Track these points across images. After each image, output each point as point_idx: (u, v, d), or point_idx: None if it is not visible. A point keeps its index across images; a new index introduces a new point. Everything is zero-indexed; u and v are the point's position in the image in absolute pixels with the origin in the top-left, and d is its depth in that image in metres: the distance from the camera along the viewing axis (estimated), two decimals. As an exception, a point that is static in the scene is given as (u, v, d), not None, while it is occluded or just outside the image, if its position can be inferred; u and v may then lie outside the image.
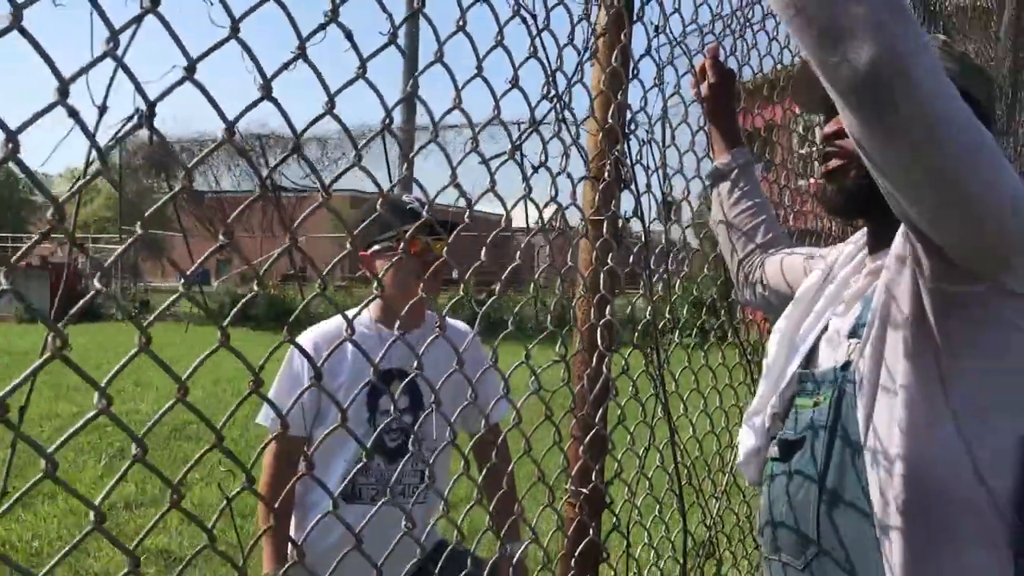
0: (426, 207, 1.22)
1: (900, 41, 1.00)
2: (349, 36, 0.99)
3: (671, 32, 1.77)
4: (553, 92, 1.34)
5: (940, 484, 1.25)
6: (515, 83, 1.28)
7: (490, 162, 1.26)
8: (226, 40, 0.87)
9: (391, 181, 1.23)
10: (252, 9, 0.89)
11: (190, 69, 0.82)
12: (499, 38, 1.25)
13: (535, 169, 1.33)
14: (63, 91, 0.72)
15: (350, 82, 1.01)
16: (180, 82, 0.83)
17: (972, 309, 1.21)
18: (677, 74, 1.84)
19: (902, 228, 1.25)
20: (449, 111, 1.17)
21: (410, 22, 1.13)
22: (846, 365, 1.36)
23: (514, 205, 1.33)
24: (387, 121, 1.06)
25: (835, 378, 1.38)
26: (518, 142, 1.28)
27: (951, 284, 1.20)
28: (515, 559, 2.14)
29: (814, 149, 4.23)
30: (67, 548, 0.81)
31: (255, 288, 0.98)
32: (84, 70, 0.75)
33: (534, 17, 1.27)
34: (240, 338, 1.44)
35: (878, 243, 1.43)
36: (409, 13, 1.11)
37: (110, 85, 0.92)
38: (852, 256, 1.53)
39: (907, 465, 1.24)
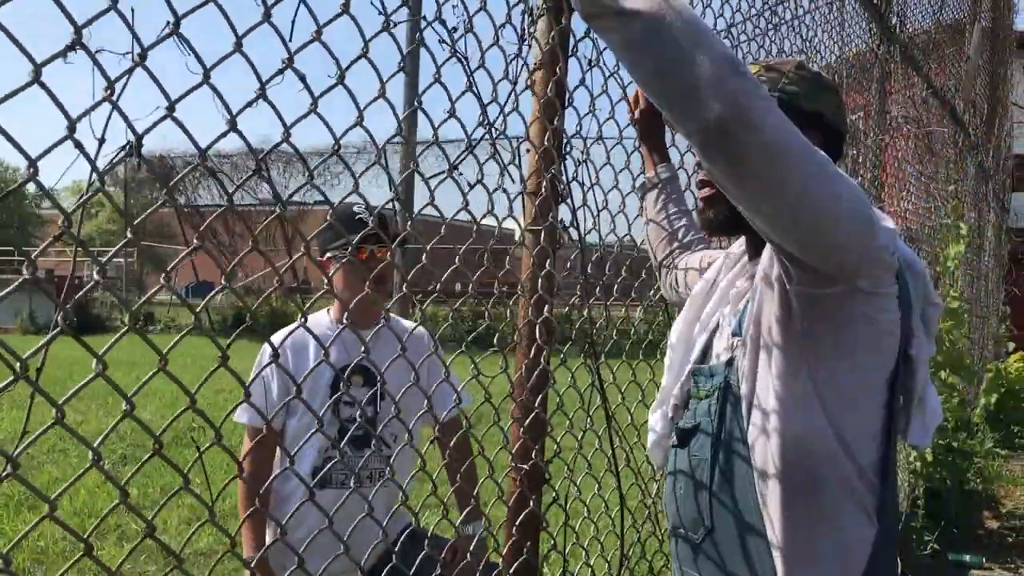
0: (372, 217, 1.46)
1: (741, 95, 1.19)
2: (302, 78, 1.23)
3: (605, 65, 2.01)
4: (486, 120, 1.57)
5: (813, 461, 1.46)
6: (452, 113, 1.52)
7: (430, 180, 1.50)
8: (199, 86, 1.11)
9: (393, 192, 1.45)
10: (220, 61, 1.12)
11: (171, 108, 1.06)
12: (437, 76, 1.49)
13: (471, 186, 1.57)
14: (71, 128, 0.96)
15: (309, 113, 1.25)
16: (163, 119, 1.07)
17: (830, 310, 1.42)
18: (611, 101, 2.08)
19: (768, 248, 1.45)
20: (392, 137, 1.41)
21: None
22: (731, 360, 1.57)
23: (453, 216, 1.57)
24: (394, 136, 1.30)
25: (722, 372, 1.59)
26: (456, 162, 1.52)
27: (813, 288, 1.41)
28: (476, 537, 2.38)
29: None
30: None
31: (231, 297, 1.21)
32: (87, 112, 0.99)
33: (467, 59, 1.51)
34: (241, 349, 1.63)
35: (756, 251, 1.64)
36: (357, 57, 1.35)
37: (106, 125, 1.16)
38: (736, 260, 1.74)
39: (783, 447, 1.45)
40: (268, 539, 2.55)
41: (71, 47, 0.97)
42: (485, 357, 1.69)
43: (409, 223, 1.48)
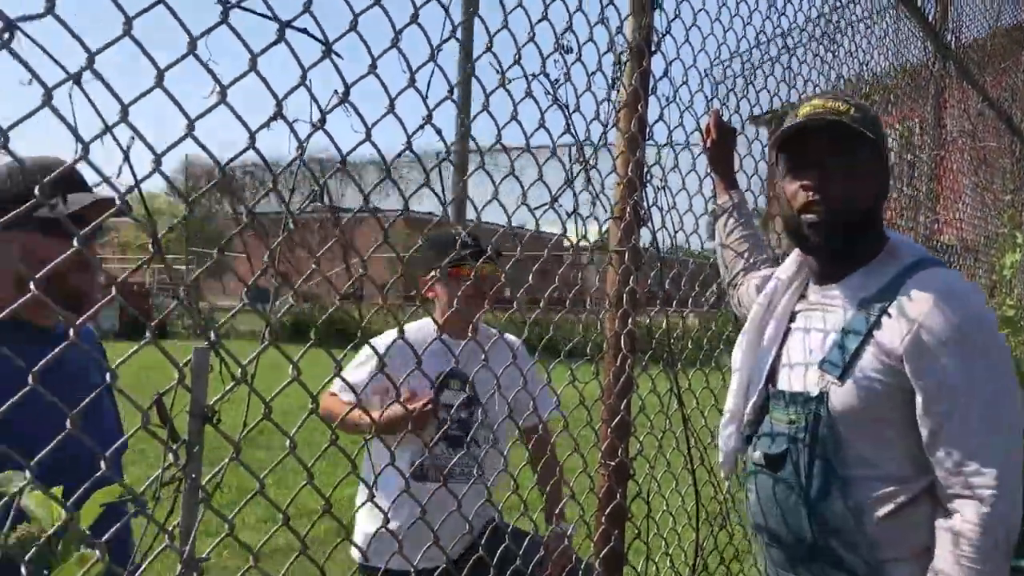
0: (473, 237, 1.69)
1: None
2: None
3: (680, 101, 2.23)
4: (581, 158, 1.80)
5: (911, 493, 1.64)
6: (553, 151, 1.75)
7: (536, 210, 1.73)
8: (215, 106, 1.33)
9: (443, 204, 1.67)
10: (234, 81, 1.31)
11: (191, 127, 1.21)
12: (542, 121, 1.72)
13: (569, 215, 1.80)
14: (274, 180, 1.19)
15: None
16: (181, 139, 1.23)
17: None
18: (686, 132, 2.30)
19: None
20: (506, 176, 1.64)
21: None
22: (821, 396, 1.70)
23: (551, 242, 1.80)
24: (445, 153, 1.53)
25: (808, 402, 1.72)
26: (556, 194, 1.75)
27: None
28: (567, 535, 2.60)
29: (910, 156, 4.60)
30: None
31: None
32: (193, 126, 1.23)
33: (567, 106, 1.74)
34: (307, 356, 1.84)
35: (826, 278, 1.79)
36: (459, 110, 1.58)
37: (127, 158, 1.40)
38: (789, 281, 1.90)
39: (882, 482, 1.64)
40: (372, 523, 2.81)
41: (272, 119, 1.22)
42: (579, 365, 1.91)
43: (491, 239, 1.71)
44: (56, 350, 1.01)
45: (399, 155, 1.48)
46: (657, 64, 2.12)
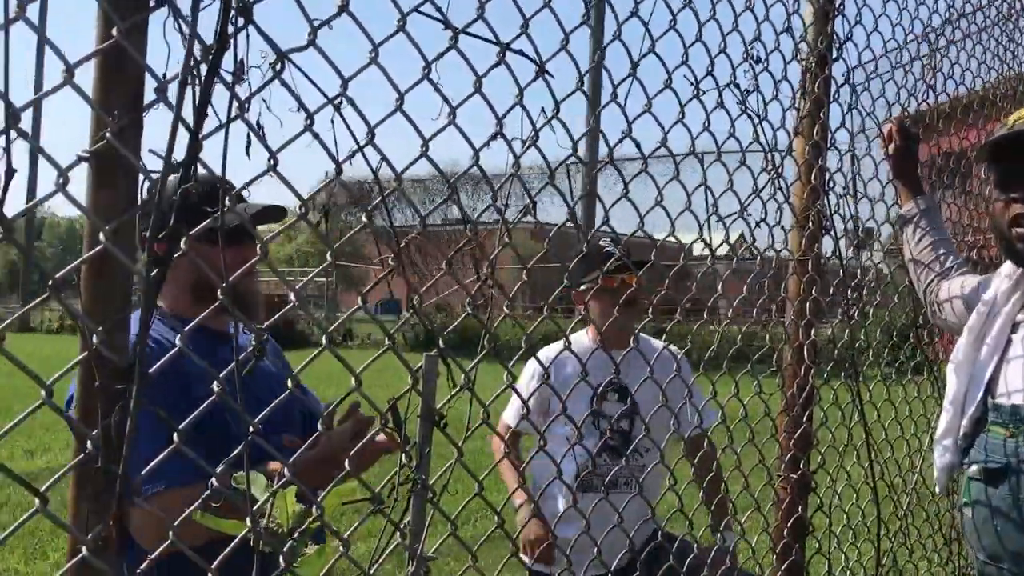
0: (620, 248, 1.69)
1: None
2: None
3: (862, 107, 2.19)
4: (772, 167, 1.80)
5: None
6: (743, 161, 1.75)
7: (725, 220, 1.73)
8: (445, 127, 1.38)
9: (571, 213, 1.69)
10: (462, 102, 1.39)
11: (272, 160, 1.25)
12: (731, 130, 1.73)
13: (757, 224, 1.80)
14: (494, 196, 1.25)
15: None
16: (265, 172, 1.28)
17: None
18: (868, 139, 2.25)
19: None
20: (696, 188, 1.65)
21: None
22: None
23: (741, 250, 1.80)
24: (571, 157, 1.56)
25: None
26: (745, 204, 1.75)
27: None
28: (730, 547, 2.58)
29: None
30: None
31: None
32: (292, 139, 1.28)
33: (758, 115, 1.74)
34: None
35: None
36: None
37: (376, 177, 1.46)
38: (1011, 292, 1.83)
39: None
40: (541, 526, 2.85)
41: (492, 138, 1.27)
42: (764, 377, 1.90)
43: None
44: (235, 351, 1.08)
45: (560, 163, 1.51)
46: (838, 70, 2.09)
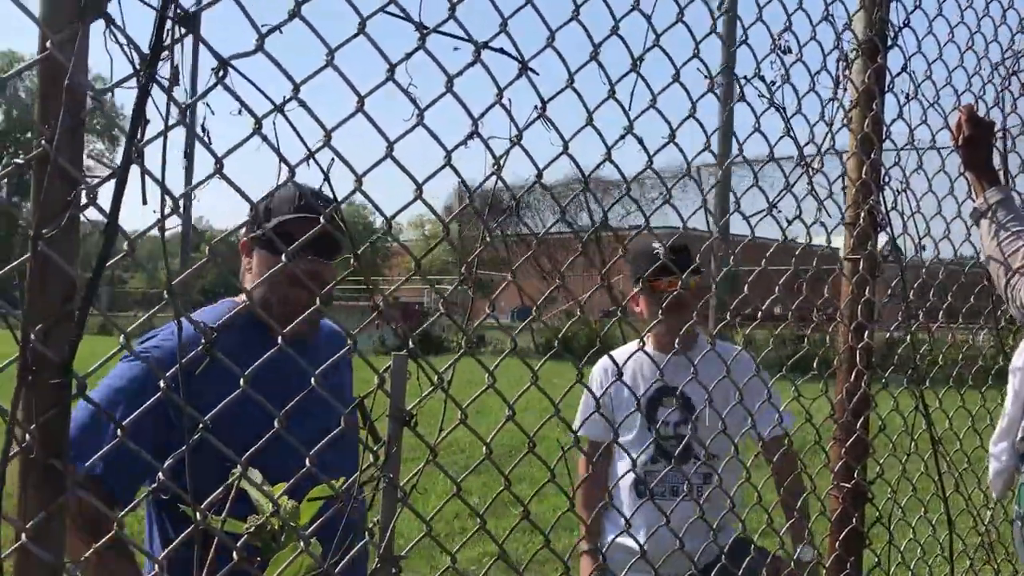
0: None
1: None
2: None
3: (924, 97, 2.06)
4: (803, 160, 1.72)
5: None
6: (771, 157, 1.69)
7: (751, 218, 1.67)
8: (413, 128, 1.37)
9: (707, 216, 1.68)
10: (554, 96, 1.38)
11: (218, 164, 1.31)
12: (756, 126, 1.67)
13: (789, 222, 1.72)
14: (471, 196, 1.25)
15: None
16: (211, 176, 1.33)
17: None
18: (931, 131, 2.12)
19: None
20: (714, 185, 1.59)
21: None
22: None
23: (772, 248, 1.73)
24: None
25: None
26: (775, 200, 1.68)
27: None
28: (795, 559, 2.48)
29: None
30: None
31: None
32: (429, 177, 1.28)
33: (784, 108, 1.66)
34: (562, 371, 1.90)
35: None
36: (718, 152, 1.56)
37: (327, 178, 1.46)
38: None
39: None
40: (604, 537, 2.83)
41: (469, 136, 1.27)
42: (804, 381, 1.82)
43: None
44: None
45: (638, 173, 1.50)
46: (894, 60, 1.98)
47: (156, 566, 1.04)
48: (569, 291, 1.80)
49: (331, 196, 1.17)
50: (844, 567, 1.98)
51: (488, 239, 1.41)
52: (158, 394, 1.04)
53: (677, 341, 2.55)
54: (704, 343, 2.71)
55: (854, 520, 1.98)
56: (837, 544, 1.98)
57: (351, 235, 1.47)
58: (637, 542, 1.78)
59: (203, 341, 1.05)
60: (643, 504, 2.55)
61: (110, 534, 1.02)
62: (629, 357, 2.73)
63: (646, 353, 2.86)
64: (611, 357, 2.03)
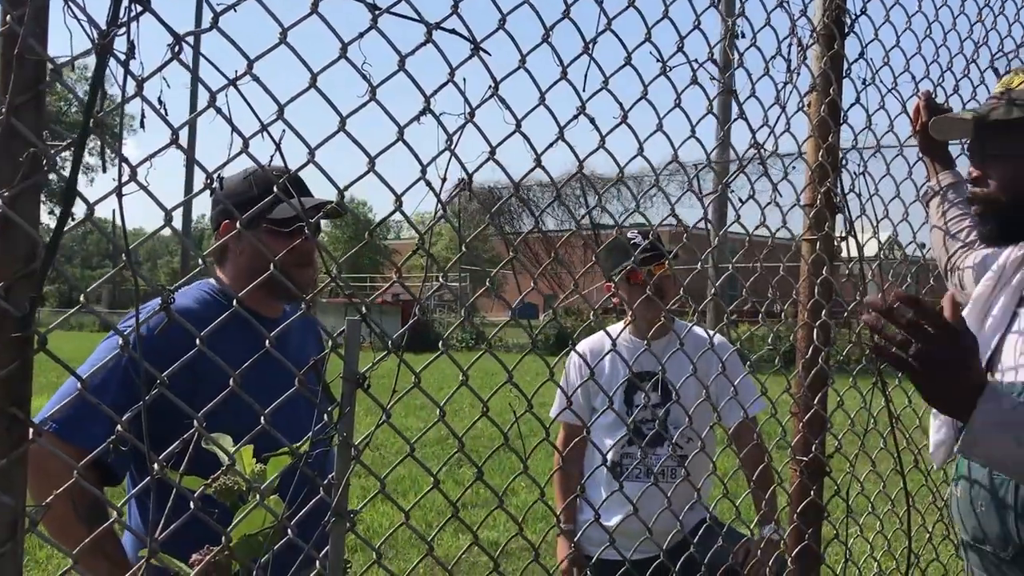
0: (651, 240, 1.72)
1: None
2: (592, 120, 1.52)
3: (881, 83, 2.12)
4: (755, 141, 1.78)
5: None
6: (725, 139, 1.74)
7: (705, 198, 1.73)
8: (364, 104, 1.43)
9: (704, 212, 1.75)
10: (528, 113, 1.44)
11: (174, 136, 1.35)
12: (709, 108, 1.73)
13: (743, 201, 1.78)
14: (423, 171, 1.31)
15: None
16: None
17: None
18: (889, 116, 2.18)
19: None
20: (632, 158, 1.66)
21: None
22: None
23: (728, 225, 1.79)
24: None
25: None
26: (727, 180, 1.74)
27: None
28: (764, 540, 2.55)
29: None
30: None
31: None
32: (432, 160, 1.34)
33: (735, 92, 1.73)
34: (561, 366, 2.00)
35: None
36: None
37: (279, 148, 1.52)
38: (1019, 264, 1.75)
39: None
40: (580, 518, 2.92)
41: (421, 113, 1.33)
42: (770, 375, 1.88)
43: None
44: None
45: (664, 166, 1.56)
46: (851, 47, 2.04)
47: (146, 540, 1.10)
48: (567, 288, 1.86)
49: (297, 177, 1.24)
50: (803, 539, 2.04)
51: (467, 241, 1.46)
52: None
53: (654, 328, 2.63)
54: (681, 329, 2.78)
55: (812, 493, 2.04)
56: (796, 516, 2.04)
57: (354, 218, 1.53)
58: (606, 528, 1.83)
59: (197, 329, 1.11)
60: (619, 486, 2.60)
61: (111, 519, 1.09)
62: (608, 351, 2.80)
63: (623, 340, 2.95)
64: (587, 343, 2.10)
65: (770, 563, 2.38)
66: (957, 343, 1.34)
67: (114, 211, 1.06)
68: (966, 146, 1.70)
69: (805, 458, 2.03)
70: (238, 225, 1.18)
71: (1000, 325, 1.71)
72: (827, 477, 2.07)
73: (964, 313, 1.79)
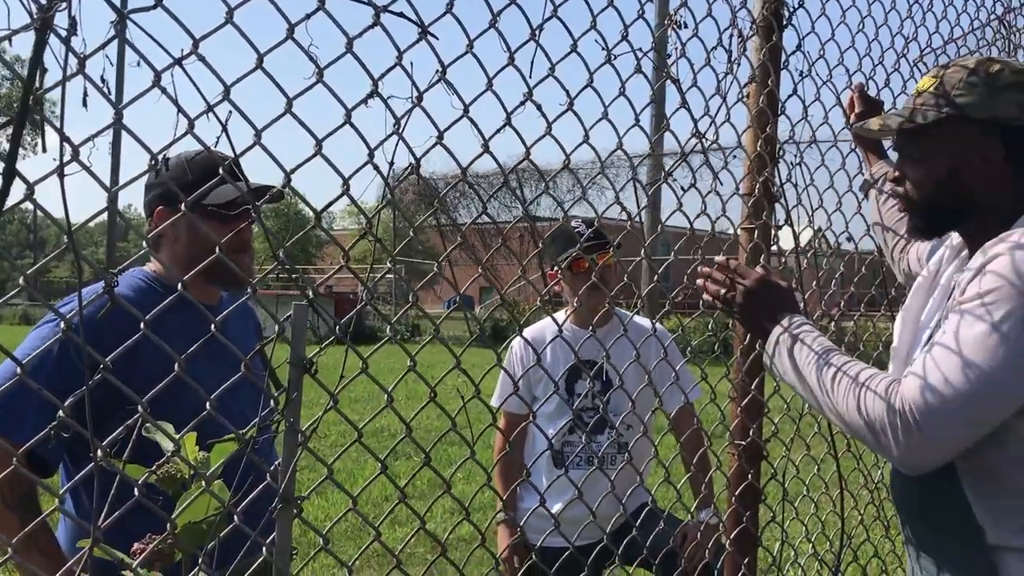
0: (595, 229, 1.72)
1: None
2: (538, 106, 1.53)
3: (818, 75, 2.18)
4: (696, 131, 1.81)
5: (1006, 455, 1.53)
6: (666, 127, 1.77)
7: (648, 187, 1.75)
8: (312, 86, 1.43)
9: (637, 205, 1.76)
10: (476, 98, 1.44)
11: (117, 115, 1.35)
12: (653, 96, 1.75)
13: (684, 190, 1.81)
14: (370, 154, 1.30)
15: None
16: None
17: None
18: (824, 108, 2.23)
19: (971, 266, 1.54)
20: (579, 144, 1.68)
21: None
22: None
23: (668, 217, 1.81)
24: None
25: None
26: (670, 169, 1.76)
27: None
28: (703, 524, 2.59)
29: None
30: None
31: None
32: (380, 143, 1.34)
33: (678, 82, 1.75)
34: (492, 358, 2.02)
35: (972, 248, 1.69)
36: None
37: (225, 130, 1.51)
38: (957, 251, 1.81)
39: (1010, 463, 1.53)
40: (522, 506, 2.93)
41: (369, 96, 1.32)
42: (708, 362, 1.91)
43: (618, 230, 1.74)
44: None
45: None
46: (789, 39, 2.09)
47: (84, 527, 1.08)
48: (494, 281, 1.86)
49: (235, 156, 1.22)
50: (740, 522, 2.08)
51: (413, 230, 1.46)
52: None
53: (596, 317, 2.66)
54: (631, 320, 2.82)
55: (750, 476, 2.08)
56: (734, 499, 2.09)
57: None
58: (550, 514, 1.84)
59: (132, 318, 1.08)
60: (560, 474, 2.63)
61: (51, 508, 1.06)
62: (552, 339, 2.83)
63: (565, 328, 2.96)
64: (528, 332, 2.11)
65: (708, 545, 2.43)
66: (758, 285, 1.72)
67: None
68: (891, 142, 1.76)
69: (743, 442, 2.07)
70: (183, 208, 1.16)
71: (929, 323, 1.77)
72: (764, 461, 2.12)
73: (905, 304, 1.85)
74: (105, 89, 1.07)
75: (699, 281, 1.80)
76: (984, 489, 1.53)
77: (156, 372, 1.18)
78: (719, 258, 1.78)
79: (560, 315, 3.01)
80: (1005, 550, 1.51)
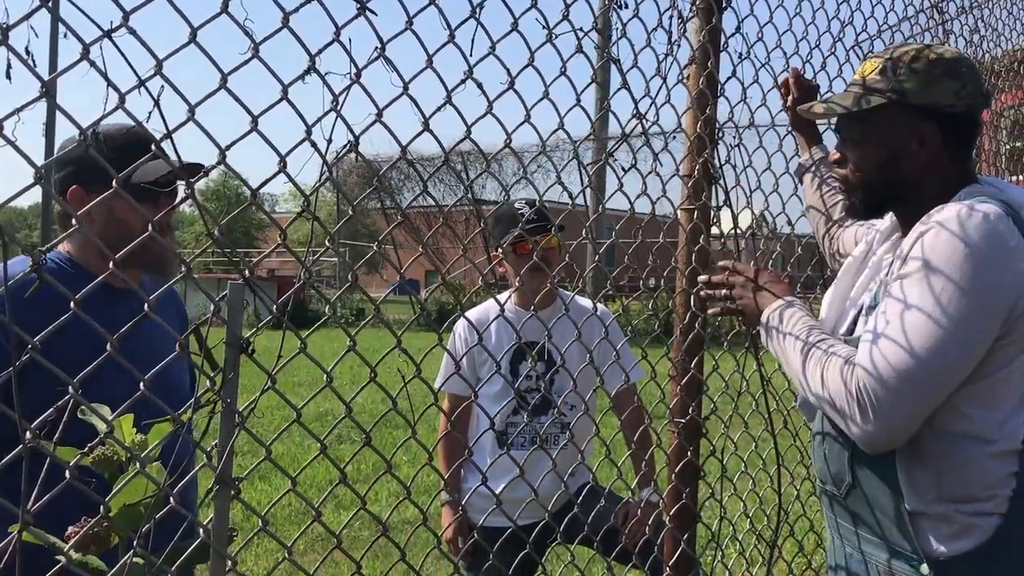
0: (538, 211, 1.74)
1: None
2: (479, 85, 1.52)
3: (756, 58, 2.20)
4: (637, 112, 1.82)
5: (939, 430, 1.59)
6: (607, 108, 1.77)
7: (588, 167, 1.76)
8: (247, 62, 1.42)
9: (589, 181, 1.77)
10: (415, 76, 1.43)
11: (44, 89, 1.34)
12: (594, 77, 1.75)
13: (625, 171, 1.82)
14: (308, 131, 1.28)
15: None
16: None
17: None
18: (763, 90, 2.26)
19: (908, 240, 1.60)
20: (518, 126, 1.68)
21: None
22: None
23: (609, 197, 1.82)
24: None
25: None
26: (611, 149, 1.77)
27: None
28: (644, 502, 2.63)
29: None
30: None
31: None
32: (317, 121, 1.32)
33: (619, 62, 1.76)
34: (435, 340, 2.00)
35: (906, 228, 1.75)
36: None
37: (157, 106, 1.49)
38: (888, 234, 1.86)
39: (929, 429, 1.59)
40: (463, 486, 2.94)
41: (306, 72, 1.31)
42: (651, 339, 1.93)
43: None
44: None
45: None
46: (728, 21, 2.11)
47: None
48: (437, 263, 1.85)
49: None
50: (680, 498, 2.12)
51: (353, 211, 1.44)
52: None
53: (538, 298, 2.67)
54: (573, 301, 2.84)
55: (689, 454, 2.12)
56: (674, 477, 2.12)
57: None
58: (493, 493, 1.85)
59: (43, 300, 1.05)
60: (503, 454, 2.64)
61: None
62: (494, 319, 2.83)
63: (508, 309, 2.96)
64: (473, 314, 2.11)
65: (649, 522, 2.47)
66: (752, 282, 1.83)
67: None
68: (833, 124, 1.80)
69: (683, 420, 2.10)
70: (115, 186, 1.13)
71: (856, 302, 1.82)
72: (704, 439, 2.15)
73: (834, 282, 1.90)
74: (30, 61, 1.04)
75: (702, 293, 1.94)
76: (909, 461, 1.60)
77: (77, 356, 1.16)
78: (721, 263, 1.91)
79: (503, 296, 3.02)
80: (919, 515, 1.60)
